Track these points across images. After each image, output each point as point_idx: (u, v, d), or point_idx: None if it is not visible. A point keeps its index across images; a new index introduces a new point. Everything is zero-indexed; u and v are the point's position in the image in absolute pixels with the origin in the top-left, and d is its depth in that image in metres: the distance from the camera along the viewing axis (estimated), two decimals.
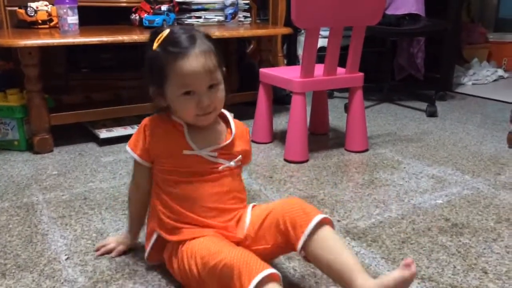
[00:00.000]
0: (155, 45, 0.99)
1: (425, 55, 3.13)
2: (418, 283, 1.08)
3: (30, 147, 1.95)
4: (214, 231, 1.02)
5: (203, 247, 0.95)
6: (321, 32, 1.85)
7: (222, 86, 1.02)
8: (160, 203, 1.06)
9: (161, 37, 0.99)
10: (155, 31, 1.02)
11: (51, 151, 1.95)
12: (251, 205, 1.10)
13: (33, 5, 2.05)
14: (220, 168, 1.05)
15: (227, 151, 1.07)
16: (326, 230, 0.96)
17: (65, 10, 1.88)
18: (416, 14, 2.73)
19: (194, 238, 0.99)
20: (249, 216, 1.06)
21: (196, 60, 0.96)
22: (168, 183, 1.04)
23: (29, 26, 2.07)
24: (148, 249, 1.10)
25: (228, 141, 1.07)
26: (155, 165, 1.06)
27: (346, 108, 2.24)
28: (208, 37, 1.02)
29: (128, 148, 1.07)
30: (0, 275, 1.10)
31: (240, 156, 1.09)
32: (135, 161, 1.08)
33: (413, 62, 3.13)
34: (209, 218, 1.03)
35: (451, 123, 2.45)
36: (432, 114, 2.56)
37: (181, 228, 1.03)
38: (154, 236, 1.08)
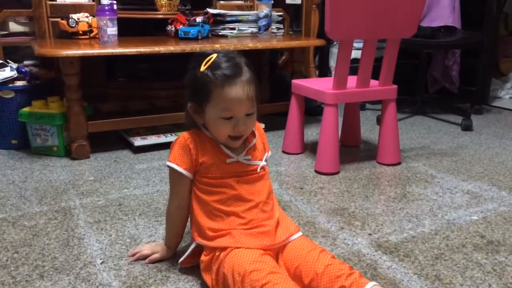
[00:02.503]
0: (203, 67, 1.05)
1: (460, 68, 3.07)
2: None
3: (68, 153, 2.02)
4: (257, 241, 1.05)
5: (249, 264, 0.98)
6: (354, 44, 1.84)
7: (255, 114, 1.10)
8: (202, 211, 1.10)
9: (209, 60, 1.05)
10: (202, 53, 1.09)
11: (88, 157, 2.01)
12: (300, 233, 1.13)
13: (75, 16, 2.13)
14: (258, 169, 1.13)
15: (256, 151, 1.15)
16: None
17: (105, 22, 1.95)
18: (452, 26, 2.70)
19: (237, 248, 1.02)
20: (293, 238, 1.10)
21: (242, 89, 1.04)
22: (212, 188, 1.09)
23: (70, 36, 2.15)
24: (184, 255, 1.14)
25: (254, 141, 1.16)
26: (197, 175, 1.11)
27: (379, 120, 2.23)
28: (248, 65, 1.08)
29: (171, 164, 1.10)
30: (39, 277, 1.14)
31: (267, 153, 1.19)
32: (179, 177, 1.11)
33: (448, 75, 3.07)
34: (253, 214, 1.08)
35: (487, 137, 2.39)
36: (467, 128, 2.51)
37: (223, 235, 1.06)
38: (193, 245, 1.12)
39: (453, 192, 1.68)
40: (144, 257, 1.21)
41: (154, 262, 1.20)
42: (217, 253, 1.05)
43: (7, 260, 1.21)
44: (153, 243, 1.27)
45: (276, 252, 1.08)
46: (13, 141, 2.12)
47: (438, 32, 2.66)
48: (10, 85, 2.08)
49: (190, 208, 1.14)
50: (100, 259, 1.22)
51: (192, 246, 1.12)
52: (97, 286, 1.10)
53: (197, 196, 1.11)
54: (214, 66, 1.05)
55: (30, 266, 1.19)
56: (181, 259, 1.14)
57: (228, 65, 1.05)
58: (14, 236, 1.34)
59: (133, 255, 1.22)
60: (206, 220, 1.09)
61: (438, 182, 1.78)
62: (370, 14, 1.73)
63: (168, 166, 1.11)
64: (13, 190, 1.68)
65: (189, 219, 1.18)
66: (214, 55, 1.06)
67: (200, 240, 1.09)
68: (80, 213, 1.49)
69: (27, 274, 1.15)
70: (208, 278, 1.07)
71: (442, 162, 2.01)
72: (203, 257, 1.09)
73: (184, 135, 1.11)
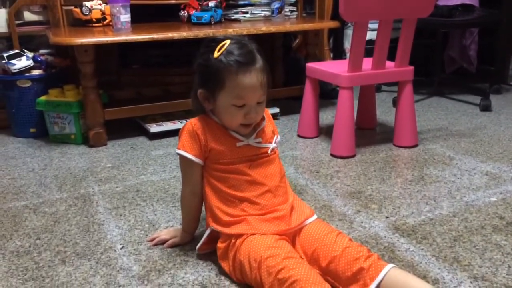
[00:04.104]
0: (216, 54, 1.03)
1: (478, 47, 3.01)
2: (471, 282, 1.05)
3: (86, 141, 2.04)
4: (272, 227, 1.05)
5: (264, 250, 0.98)
6: (369, 25, 1.81)
7: (265, 102, 1.09)
8: (216, 197, 1.10)
9: (222, 46, 1.03)
10: (212, 39, 1.07)
11: (105, 144, 2.03)
12: (315, 216, 1.13)
13: (88, 4, 2.13)
14: (269, 151, 1.13)
15: (265, 134, 1.14)
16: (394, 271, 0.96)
17: (118, 9, 1.95)
18: (470, 5, 2.63)
19: (253, 234, 1.03)
20: (309, 221, 1.10)
21: (256, 76, 1.03)
22: (224, 174, 1.09)
23: (84, 24, 2.16)
24: (200, 241, 1.15)
25: (263, 124, 1.14)
26: (209, 161, 1.11)
27: (395, 102, 2.21)
28: (260, 52, 1.07)
29: (181, 151, 1.09)
30: (61, 262, 1.17)
31: (276, 136, 1.17)
32: (190, 164, 1.10)
33: (466, 55, 3.01)
34: (266, 200, 1.08)
35: (507, 117, 2.35)
36: (486, 108, 2.47)
37: (239, 222, 1.06)
38: (208, 231, 1.13)
39: (471, 174, 1.66)
40: (163, 242, 1.22)
41: (172, 246, 1.21)
42: (233, 240, 1.05)
43: (30, 246, 1.24)
44: (171, 228, 1.29)
45: (293, 236, 1.08)
46: (32, 130, 2.15)
47: (455, 10, 2.60)
48: (27, 74, 2.10)
49: (203, 193, 1.15)
50: (120, 244, 1.24)
51: (207, 232, 1.13)
52: (118, 271, 1.12)
53: (210, 182, 1.11)
54: (228, 52, 1.03)
55: (52, 251, 1.22)
56: (198, 245, 1.15)
57: (242, 52, 1.03)
58: (35, 223, 1.37)
59: (152, 240, 1.24)
60: (221, 205, 1.09)
61: (456, 163, 1.76)
62: None
63: (178, 154, 1.11)
64: (33, 177, 1.71)
65: (203, 204, 1.19)
66: (227, 41, 1.04)
67: (215, 226, 1.10)
68: (99, 200, 1.51)
69: (49, 260, 1.18)
70: (225, 266, 1.08)
71: (460, 143, 1.98)
72: (220, 244, 1.09)
73: (192, 121, 1.10)
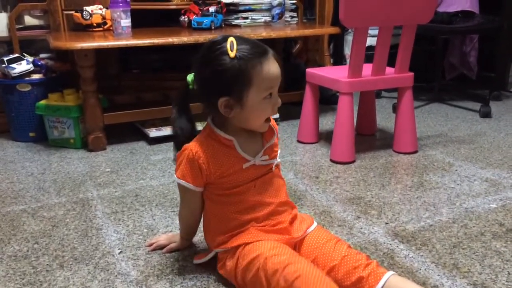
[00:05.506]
0: (231, 54, 0.95)
1: (479, 53, 3.01)
2: None
3: (85, 145, 2.04)
4: (275, 237, 1.04)
5: (268, 250, 0.98)
6: (369, 31, 1.82)
7: None
8: (219, 224, 1.07)
9: (232, 44, 0.96)
10: (212, 42, 0.99)
11: (104, 149, 2.03)
12: (316, 224, 1.12)
13: (89, 8, 2.14)
14: (273, 168, 1.10)
15: (272, 150, 1.10)
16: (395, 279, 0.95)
17: (118, 14, 1.95)
18: (470, 11, 2.64)
19: (256, 241, 1.02)
20: (311, 229, 1.09)
21: (276, 63, 1.00)
22: (228, 198, 1.06)
23: (85, 29, 2.17)
24: (201, 260, 1.14)
25: (273, 140, 1.10)
26: (211, 187, 1.07)
27: (395, 108, 2.21)
28: None
29: (181, 181, 1.05)
30: (59, 267, 1.16)
31: (279, 150, 1.13)
32: (189, 192, 1.07)
33: (466, 61, 3.02)
34: (272, 218, 1.06)
35: (506, 124, 2.35)
36: (486, 114, 2.47)
37: (240, 232, 1.05)
38: (211, 254, 1.12)
39: (471, 180, 1.65)
40: (161, 247, 1.22)
41: (171, 252, 1.21)
42: (233, 250, 1.05)
43: (27, 251, 1.24)
44: (169, 233, 1.29)
45: (294, 245, 1.07)
46: (31, 134, 2.15)
47: (455, 17, 2.60)
48: (27, 78, 2.10)
49: (203, 211, 1.13)
50: (118, 249, 1.24)
51: (211, 254, 1.11)
52: (116, 276, 1.12)
53: (212, 209, 1.09)
54: (244, 48, 0.96)
55: (50, 256, 1.21)
56: (199, 262, 1.14)
57: (252, 43, 0.98)
58: (34, 227, 1.36)
59: (151, 245, 1.23)
60: (224, 230, 1.07)
61: (456, 170, 1.75)
62: (385, 0, 1.70)
63: (177, 182, 1.07)
64: (32, 182, 1.70)
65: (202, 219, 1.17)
66: (232, 38, 0.97)
67: (218, 248, 1.08)
68: (97, 204, 1.51)
69: (47, 264, 1.17)
70: (224, 274, 1.07)
71: (460, 149, 1.98)
72: (220, 255, 1.09)
73: (192, 148, 1.02)
